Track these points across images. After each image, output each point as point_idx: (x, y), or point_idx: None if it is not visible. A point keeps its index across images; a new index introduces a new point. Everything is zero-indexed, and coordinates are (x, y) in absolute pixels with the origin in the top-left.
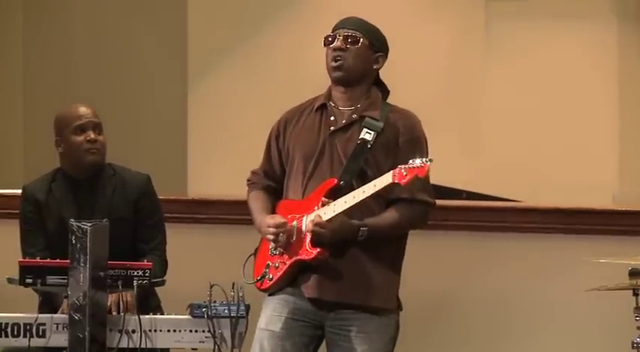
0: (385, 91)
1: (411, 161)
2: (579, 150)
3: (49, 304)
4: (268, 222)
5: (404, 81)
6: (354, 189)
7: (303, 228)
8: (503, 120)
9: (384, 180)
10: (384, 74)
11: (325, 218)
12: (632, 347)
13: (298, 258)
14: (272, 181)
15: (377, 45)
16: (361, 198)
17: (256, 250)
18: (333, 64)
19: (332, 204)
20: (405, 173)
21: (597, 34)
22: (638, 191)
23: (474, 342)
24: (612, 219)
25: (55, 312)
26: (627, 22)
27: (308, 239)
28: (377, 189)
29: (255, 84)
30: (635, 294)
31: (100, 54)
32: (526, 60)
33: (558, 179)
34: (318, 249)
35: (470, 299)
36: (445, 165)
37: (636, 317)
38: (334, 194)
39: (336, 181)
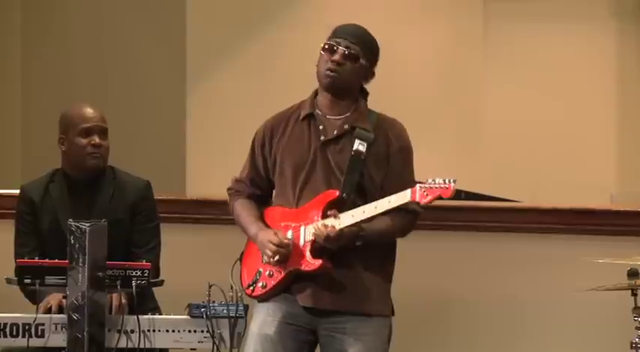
0: (364, 92)
1: (430, 180)
2: (578, 150)
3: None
4: (272, 238)
5: (403, 81)
6: (354, 203)
7: (301, 237)
8: (501, 120)
9: (401, 198)
10: (384, 75)
11: None
12: (631, 347)
13: (298, 268)
14: (257, 189)
15: (372, 60)
16: (371, 215)
17: (242, 254)
18: (328, 73)
19: (338, 217)
20: (425, 193)
21: (596, 35)
22: (636, 191)
23: (474, 342)
24: (610, 219)
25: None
26: (625, 23)
27: (308, 249)
28: (391, 206)
29: (254, 84)
30: (634, 294)
31: (98, 54)
32: (524, 61)
33: (557, 179)
34: (321, 261)
35: (469, 299)
36: (444, 166)
37: (635, 317)
38: (335, 206)
39: (337, 194)
